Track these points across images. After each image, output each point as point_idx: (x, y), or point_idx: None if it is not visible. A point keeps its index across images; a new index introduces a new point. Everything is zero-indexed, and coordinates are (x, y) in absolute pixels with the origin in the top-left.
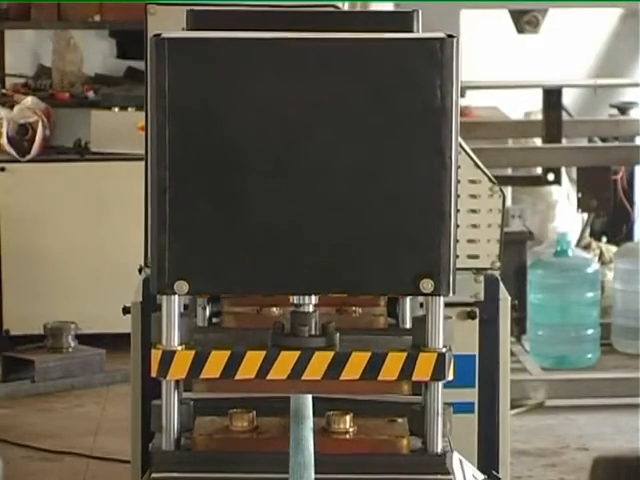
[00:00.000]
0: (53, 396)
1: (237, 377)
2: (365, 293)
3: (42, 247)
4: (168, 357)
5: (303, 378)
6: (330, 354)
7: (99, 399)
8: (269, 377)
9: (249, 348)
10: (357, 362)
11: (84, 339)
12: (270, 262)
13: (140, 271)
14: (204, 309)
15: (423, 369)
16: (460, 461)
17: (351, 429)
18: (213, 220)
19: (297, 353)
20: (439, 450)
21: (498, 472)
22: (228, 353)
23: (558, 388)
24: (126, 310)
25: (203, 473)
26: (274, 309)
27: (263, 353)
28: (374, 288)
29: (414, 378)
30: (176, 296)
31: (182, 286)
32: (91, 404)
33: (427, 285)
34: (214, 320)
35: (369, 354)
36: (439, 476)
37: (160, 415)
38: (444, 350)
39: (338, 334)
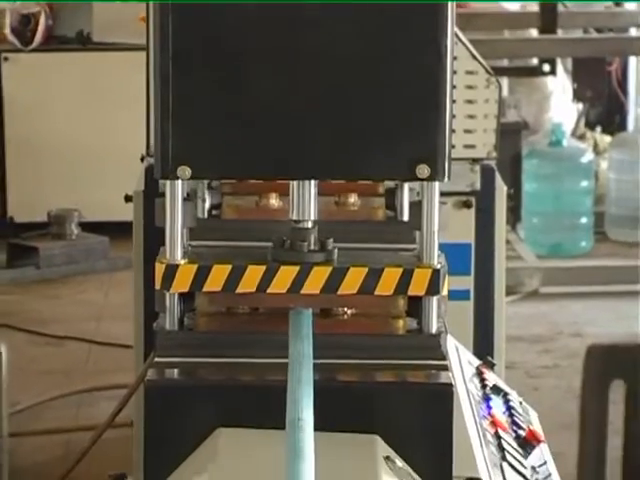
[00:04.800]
0: (57, 282)
1: (238, 290)
2: (363, 178)
3: (46, 135)
4: (171, 271)
5: (302, 292)
6: (328, 269)
7: (102, 285)
8: (269, 290)
9: (250, 262)
10: (354, 277)
11: (87, 227)
12: (271, 148)
13: (142, 160)
14: (204, 201)
15: (418, 284)
16: (456, 347)
17: (348, 311)
18: (215, 106)
19: (296, 268)
20: (434, 331)
21: (493, 358)
22: (230, 267)
23: (552, 275)
24: (128, 198)
25: (206, 358)
26: (273, 201)
27: (263, 267)
28: (372, 174)
29: (410, 293)
30: (179, 181)
31: (185, 171)
32: (94, 290)
33: (423, 171)
34: (214, 212)
35: (366, 269)
36: (434, 362)
37: (163, 297)
38: (439, 266)
39: (336, 250)
